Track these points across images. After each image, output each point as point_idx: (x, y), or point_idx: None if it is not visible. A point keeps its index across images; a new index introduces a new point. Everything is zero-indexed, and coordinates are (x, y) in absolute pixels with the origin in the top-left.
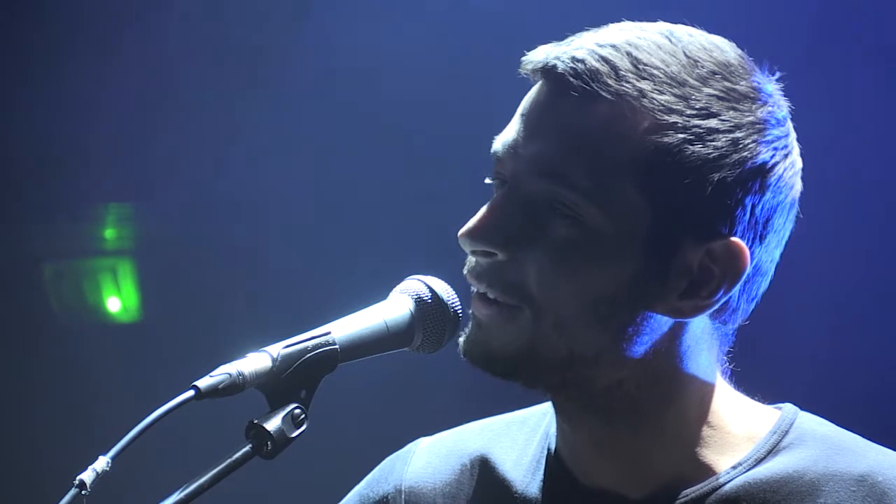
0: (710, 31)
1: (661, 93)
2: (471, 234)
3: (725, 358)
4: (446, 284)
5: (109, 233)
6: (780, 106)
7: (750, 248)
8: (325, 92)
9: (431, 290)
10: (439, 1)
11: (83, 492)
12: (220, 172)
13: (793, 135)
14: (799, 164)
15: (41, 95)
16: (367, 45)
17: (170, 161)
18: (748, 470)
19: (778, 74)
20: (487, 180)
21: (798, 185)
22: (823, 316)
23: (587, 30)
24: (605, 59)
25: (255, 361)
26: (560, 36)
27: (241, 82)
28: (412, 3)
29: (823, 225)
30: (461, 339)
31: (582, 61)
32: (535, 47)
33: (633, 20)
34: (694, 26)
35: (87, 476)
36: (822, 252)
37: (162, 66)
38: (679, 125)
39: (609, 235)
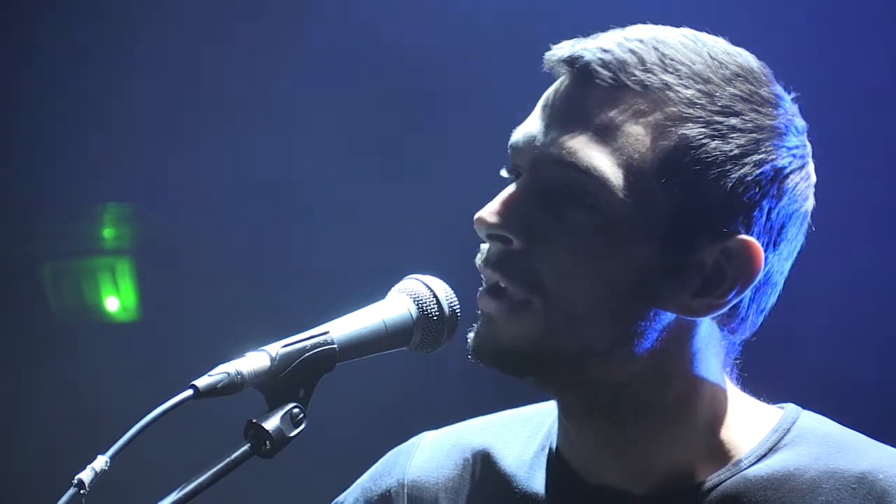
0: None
1: (686, 87)
2: (488, 218)
3: (733, 364)
4: (445, 284)
5: (108, 232)
6: (798, 118)
7: (764, 252)
8: (325, 91)
9: (430, 290)
10: (443, 4)
11: (82, 491)
12: (219, 172)
13: (809, 148)
14: (813, 178)
15: (41, 95)
16: (366, 46)
17: (168, 161)
18: (749, 467)
19: (793, 94)
20: (503, 173)
21: (811, 199)
22: (827, 317)
23: (612, 27)
24: (632, 51)
25: (254, 361)
26: (572, 34)
27: (241, 82)
28: (414, 7)
29: (827, 229)
30: (469, 337)
31: (610, 52)
32: (540, 46)
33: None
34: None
35: (86, 475)
36: (827, 253)
37: (162, 65)
38: (702, 119)
39: (627, 225)
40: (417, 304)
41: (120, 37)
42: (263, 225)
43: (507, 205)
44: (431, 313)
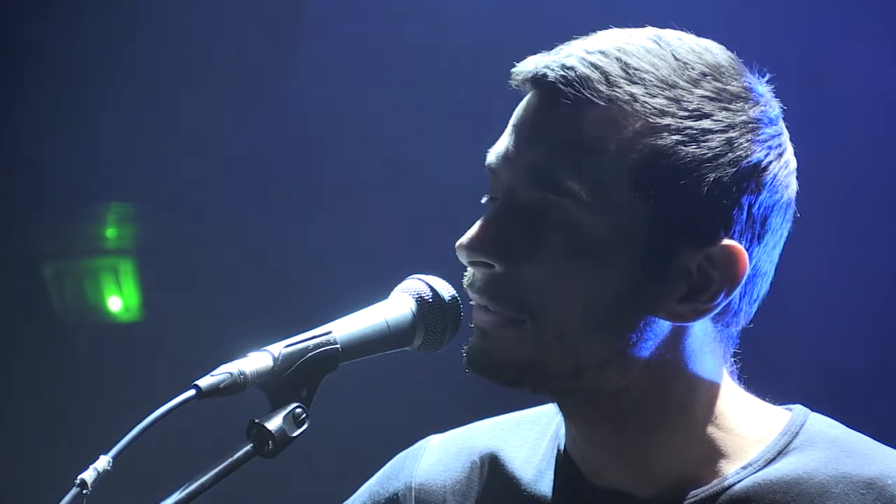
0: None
1: (653, 96)
2: (468, 245)
3: (733, 360)
4: (447, 284)
5: (110, 232)
6: (771, 105)
7: (748, 249)
8: (325, 91)
9: (432, 290)
10: (438, 4)
11: (84, 491)
12: (221, 172)
13: (786, 134)
14: (793, 163)
15: (41, 95)
16: (366, 47)
17: (170, 160)
18: (757, 471)
19: (767, 76)
20: (484, 199)
21: (794, 185)
22: (834, 317)
23: (575, 38)
24: (594, 66)
25: (257, 361)
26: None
27: (242, 82)
28: (412, 7)
29: (829, 225)
30: (464, 351)
31: (572, 68)
32: (544, 44)
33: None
34: (683, 30)
35: (89, 475)
36: (831, 251)
37: (162, 65)
38: (672, 127)
39: (607, 241)
40: (420, 304)
41: (121, 36)
42: (266, 224)
43: (487, 230)
44: (434, 313)
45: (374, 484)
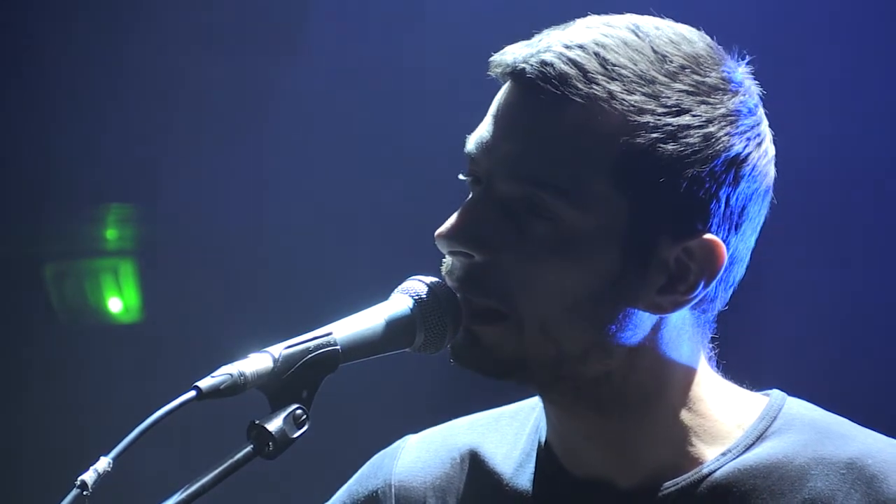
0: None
1: (631, 93)
2: (448, 234)
3: (710, 346)
4: (447, 285)
5: (111, 233)
6: (751, 94)
7: (725, 239)
8: (325, 92)
9: (432, 291)
10: (424, 4)
11: (85, 492)
12: (221, 173)
13: (765, 122)
14: (772, 151)
15: (42, 95)
16: (365, 48)
17: (171, 161)
18: (737, 457)
19: (748, 59)
20: (461, 176)
21: (772, 172)
22: (811, 306)
23: (554, 27)
24: (573, 62)
25: (257, 362)
26: (531, 34)
27: (242, 83)
28: (401, 8)
29: (813, 219)
30: (451, 346)
31: (550, 65)
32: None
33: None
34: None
35: (89, 476)
36: (813, 242)
37: (163, 65)
38: (651, 125)
39: (586, 234)
40: (420, 305)
41: (122, 37)
42: (266, 226)
43: (467, 219)
44: (434, 314)
45: (353, 484)
